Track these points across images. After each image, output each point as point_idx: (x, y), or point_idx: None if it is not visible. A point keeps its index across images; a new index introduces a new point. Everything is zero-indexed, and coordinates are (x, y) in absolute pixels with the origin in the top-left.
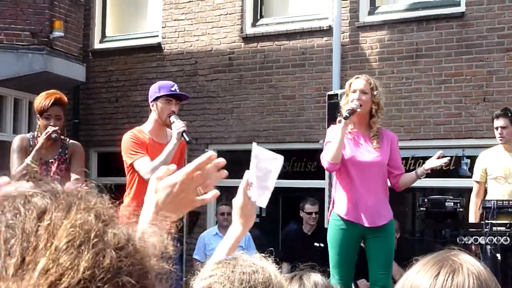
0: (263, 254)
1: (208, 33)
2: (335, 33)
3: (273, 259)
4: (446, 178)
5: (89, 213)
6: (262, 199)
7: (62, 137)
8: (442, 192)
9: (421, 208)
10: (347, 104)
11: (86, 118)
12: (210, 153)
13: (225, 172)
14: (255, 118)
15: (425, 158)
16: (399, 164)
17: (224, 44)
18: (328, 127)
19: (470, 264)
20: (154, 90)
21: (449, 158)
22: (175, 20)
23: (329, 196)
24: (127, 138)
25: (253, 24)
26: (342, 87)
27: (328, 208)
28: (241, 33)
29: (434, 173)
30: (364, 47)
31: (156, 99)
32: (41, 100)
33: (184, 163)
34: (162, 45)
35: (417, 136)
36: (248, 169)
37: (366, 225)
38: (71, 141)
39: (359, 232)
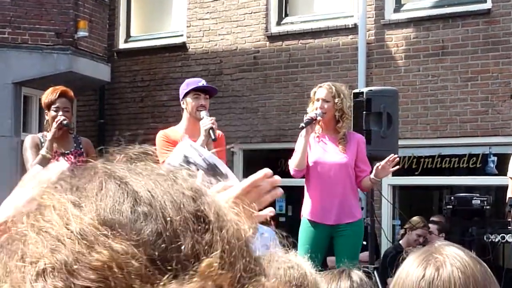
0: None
1: (233, 32)
2: (360, 31)
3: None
4: (472, 176)
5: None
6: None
7: (71, 132)
8: (469, 190)
9: (448, 206)
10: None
11: (112, 118)
12: (266, 170)
13: (280, 191)
14: (280, 117)
15: (451, 156)
16: (364, 166)
17: (249, 43)
18: (353, 126)
19: (453, 258)
20: (183, 87)
21: (396, 157)
22: (199, 19)
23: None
24: (158, 138)
25: (278, 23)
26: (368, 85)
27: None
28: (266, 32)
29: (461, 171)
30: (389, 45)
31: (185, 95)
32: (48, 94)
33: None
34: (187, 44)
35: (443, 134)
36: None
37: (331, 223)
38: (81, 137)
39: (327, 231)
